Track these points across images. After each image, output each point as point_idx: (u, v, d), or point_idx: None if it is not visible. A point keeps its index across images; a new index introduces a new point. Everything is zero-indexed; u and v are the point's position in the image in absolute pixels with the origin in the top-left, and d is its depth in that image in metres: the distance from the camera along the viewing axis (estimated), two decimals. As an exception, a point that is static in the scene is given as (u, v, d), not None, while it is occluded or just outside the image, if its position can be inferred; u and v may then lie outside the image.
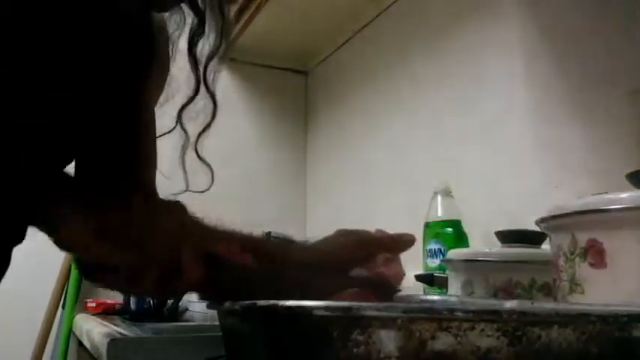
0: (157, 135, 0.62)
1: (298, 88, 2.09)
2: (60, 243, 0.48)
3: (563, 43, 0.99)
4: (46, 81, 0.44)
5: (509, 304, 0.47)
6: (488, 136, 1.14)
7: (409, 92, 1.44)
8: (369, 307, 0.27)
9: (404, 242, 0.53)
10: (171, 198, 0.53)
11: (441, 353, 0.27)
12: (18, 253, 0.51)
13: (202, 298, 0.52)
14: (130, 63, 0.52)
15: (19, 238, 0.50)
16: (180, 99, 0.62)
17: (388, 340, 0.26)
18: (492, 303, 0.58)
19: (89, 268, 0.49)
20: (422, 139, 1.37)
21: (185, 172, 0.63)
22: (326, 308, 0.27)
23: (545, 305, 0.48)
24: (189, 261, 0.45)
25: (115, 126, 0.54)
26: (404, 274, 0.53)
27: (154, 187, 0.60)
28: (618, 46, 0.88)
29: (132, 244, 0.45)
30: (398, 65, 1.50)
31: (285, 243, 0.57)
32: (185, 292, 0.50)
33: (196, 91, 0.61)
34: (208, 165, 0.63)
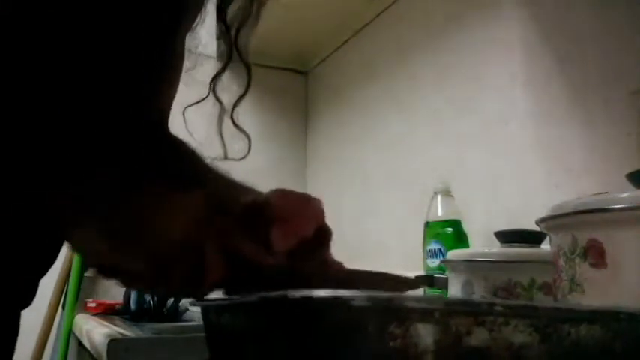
0: (190, 104, 0.58)
1: (298, 88, 2.09)
2: (77, 249, 0.41)
3: (563, 43, 0.99)
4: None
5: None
6: (488, 136, 1.14)
7: (409, 92, 1.44)
8: (408, 299, 0.26)
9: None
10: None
11: (476, 348, 0.26)
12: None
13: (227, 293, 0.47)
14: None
15: (28, 300, 0.48)
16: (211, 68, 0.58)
17: (426, 333, 0.26)
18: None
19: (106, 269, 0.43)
20: (422, 139, 1.37)
21: (223, 141, 0.58)
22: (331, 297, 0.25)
23: (570, 303, 0.48)
24: (212, 260, 0.40)
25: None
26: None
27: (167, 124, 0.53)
28: (618, 46, 0.88)
29: (147, 244, 0.39)
30: (398, 65, 1.50)
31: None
32: (211, 290, 0.44)
33: (229, 58, 0.57)
34: (246, 133, 0.59)
